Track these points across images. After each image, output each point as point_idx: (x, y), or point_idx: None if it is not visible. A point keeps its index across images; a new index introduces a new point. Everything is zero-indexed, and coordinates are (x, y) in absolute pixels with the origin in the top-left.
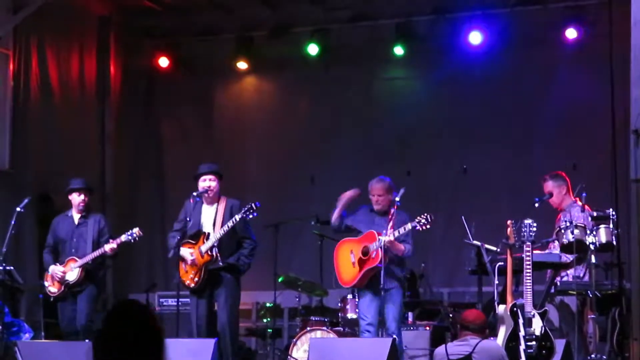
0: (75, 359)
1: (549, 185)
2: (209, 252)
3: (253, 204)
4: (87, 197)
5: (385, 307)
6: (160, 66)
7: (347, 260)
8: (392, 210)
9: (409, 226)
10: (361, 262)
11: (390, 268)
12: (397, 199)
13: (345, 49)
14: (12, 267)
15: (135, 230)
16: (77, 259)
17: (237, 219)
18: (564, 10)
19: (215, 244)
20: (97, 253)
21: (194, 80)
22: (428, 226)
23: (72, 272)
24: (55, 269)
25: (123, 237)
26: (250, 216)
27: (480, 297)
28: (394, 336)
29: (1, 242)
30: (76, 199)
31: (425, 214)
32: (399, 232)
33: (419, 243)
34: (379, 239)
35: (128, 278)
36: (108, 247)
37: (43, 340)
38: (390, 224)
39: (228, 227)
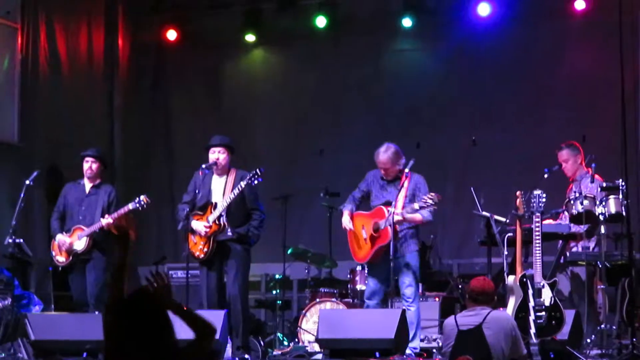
0: (85, 331)
1: (564, 154)
2: (217, 222)
3: (257, 170)
4: (97, 165)
5: (399, 274)
6: (168, 40)
7: (360, 237)
8: (405, 177)
9: (415, 206)
10: (372, 239)
11: (405, 236)
12: (407, 170)
13: (353, 21)
14: (21, 240)
15: (142, 197)
16: (84, 227)
17: (243, 185)
18: None
19: (223, 214)
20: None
21: (203, 53)
22: (435, 207)
23: (80, 242)
24: (62, 239)
25: (130, 205)
26: (256, 182)
27: (490, 268)
28: (404, 308)
29: (11, 215)
30: (84, 166)
31: (432, 194)
32: (407, 212)
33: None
34: (387, 218)
35: (137, 251)
36: (104, 222)
37: (53, 313)
38: (404, 192)
39: (234, 194)
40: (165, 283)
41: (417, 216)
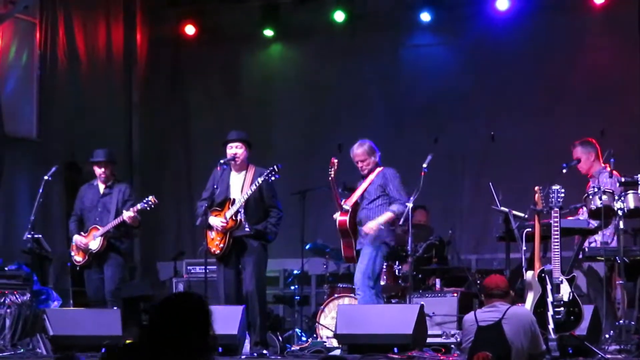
0: (103, 326)
1: (578, 152)
2: (234, 218)
3: (275, 166)
4: (108, 169)
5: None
6: (186, 34)
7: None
8: (375, 172)
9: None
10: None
11: (360, 230)
12: (425, 165)
13: (371, 16)
14: (40, 235)
15: (150, 197)
16: (99, 227)
17: (260, 182)
18: None
19: (241, 210)
20: (116, 221)
21: (221, 48)
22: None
23: (95, 241)
24: (78, 239)
25: (139, 206)
26: (273, 178)
27: (508, 264)
28: (422, 303)
29: (30, 211)
30: (97, 171)
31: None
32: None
33: (448, 209)
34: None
35: (156, 247)
36: (126, 215)
37: (71, 308)
38: (366, 184)
39: (251, 190)
40: None
41: (387, 215)
